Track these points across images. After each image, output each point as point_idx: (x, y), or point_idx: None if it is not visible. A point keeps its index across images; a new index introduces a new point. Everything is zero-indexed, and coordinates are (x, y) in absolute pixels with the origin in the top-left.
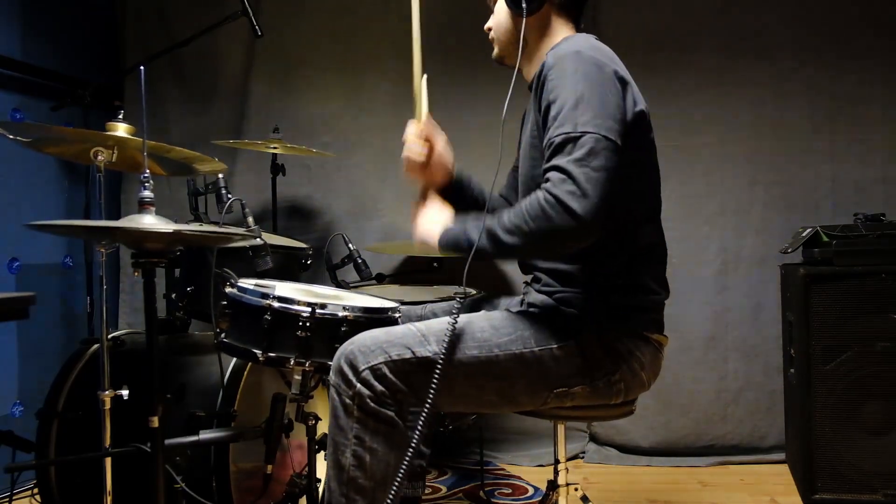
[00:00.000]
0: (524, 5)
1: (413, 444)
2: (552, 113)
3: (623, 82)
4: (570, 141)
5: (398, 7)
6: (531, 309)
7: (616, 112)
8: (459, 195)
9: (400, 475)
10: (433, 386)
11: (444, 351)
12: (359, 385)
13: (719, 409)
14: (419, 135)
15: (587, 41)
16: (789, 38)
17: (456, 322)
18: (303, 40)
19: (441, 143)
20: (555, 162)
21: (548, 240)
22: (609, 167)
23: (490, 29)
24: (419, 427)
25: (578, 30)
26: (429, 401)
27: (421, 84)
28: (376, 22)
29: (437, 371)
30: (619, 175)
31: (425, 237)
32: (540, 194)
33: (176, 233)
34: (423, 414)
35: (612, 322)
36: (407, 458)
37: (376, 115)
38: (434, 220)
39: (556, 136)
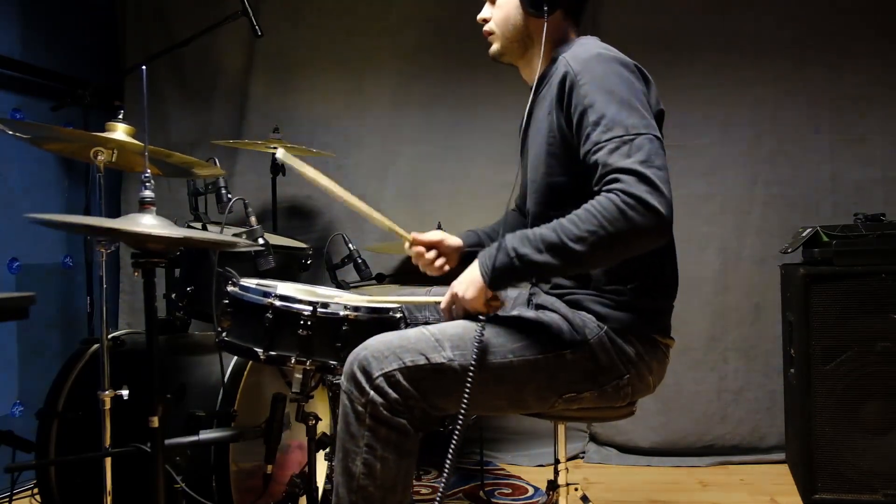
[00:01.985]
0: (545, 7)
1: (450, 456)
2: (591, 118)
3: (647, 81)
4: (625, 144)
5: (398, 7)
6: (542, 312)
7: (650, 110)
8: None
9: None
10: (466, 395)
11: (472, 367)
12: (372, 392)
13: (719, 409)
14: (417, 250)
15: (599, 43)
16: (789, 38)
17: (483, 333)
18: (303, 40)
19: (435, 237)
20: (618, 165)
21: (629, 241)
22: (667, 165)
23: (485, 20)
24: (455, 436)
25: (580, 33)
26: (462, 410)
27: (388, 225)
28: (376, 22)
29: (469, 381)
30: None
31: (471, 288)
32: (614, 197)
33: (187, 239)
34: (459, 421)
35: (623, 326)
36: (447, 468)
37: (376, 115)
38: (465, 275)
39: (608, 140)
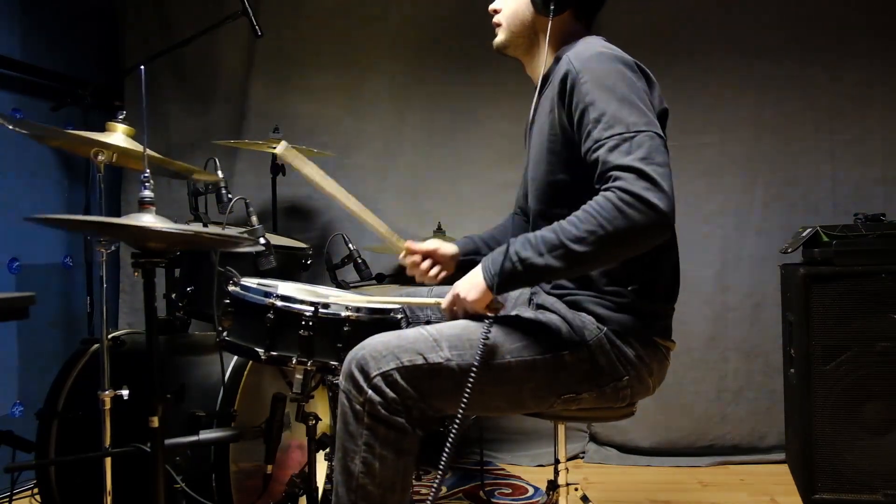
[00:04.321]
0: (552, 7)
1: (446, 455)
2: (592, 115)
3: (650, 80)
4: (626, 141)
5: (398, 7)
6: (542, 312)
7: (653, 109)
8: (475, 262)
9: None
10: (466, 394)
11: (476, 364)
12: (370, 392)
13: (719, 409)
14: (412, 260)
15: (603, 42)
16: (789, 38)
17: (490, 331)
18: (303, 40)
19: (430, 246)
20: (618, 162)
21: (630, 239)
22: (668, 162)
23: (496, 11)
24: (452, 435)
25: (590, 34)
26: (461, 409)
27: (383, 231)
28: (376, 22)
29: (470, 382)
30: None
31: (473, 291)
32: (611, 195)
33: (196, 234)
34: (457, 421)
35: (623, 328)
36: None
37: (376, 115)
38: (468, 278)
39: (608, 137)
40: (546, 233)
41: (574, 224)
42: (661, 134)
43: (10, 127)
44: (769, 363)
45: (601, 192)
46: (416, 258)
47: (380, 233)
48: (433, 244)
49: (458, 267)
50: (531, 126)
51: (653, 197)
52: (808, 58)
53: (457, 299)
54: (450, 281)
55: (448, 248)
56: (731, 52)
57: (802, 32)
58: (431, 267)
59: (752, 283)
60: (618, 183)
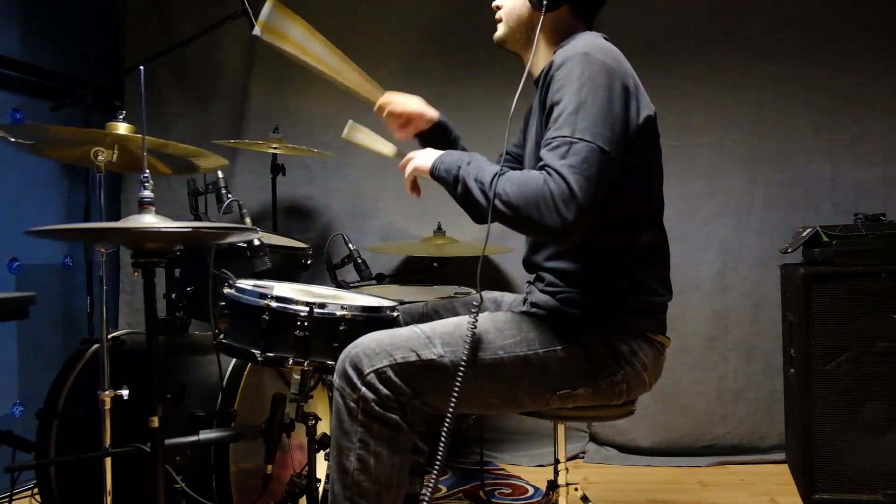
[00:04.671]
0: (545, 2)
1: (441, 451)
2: (554, 113)
3: (627, 91)
4: (566, 145)
5: (399, 8)
6: (535, 309)
7: (616, 122)
8: (441, 137)
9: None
10: (456, 391)
11: (465, 357)
12: (363, 389)
13: (719, 409)
14: (384, 100)
15: (595, 41)
16: (789, 39)
17: (475, 327)
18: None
19: (406, 98)
20: (551, 163)
21: (529, 229)
22: (600, 178)
23: (499, 7)
24: (444, 431)
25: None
26: (451, 405)
27: (356, 87)
28: (377, 22)
29: (460, 377)
30: (613, 183)
31: (420, 162)
32: (544, 187)
33: (195, 230)
34: (448, 418)
35: (616, 323)
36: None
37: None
38: (429, 152)
39: (554, 137)
40: (490, 170)
41: (511, 182)
42: (608, 148)
43: (13, 140)
44: (769, 363)
45: (541, 174)
46: (394, 114)
47: (355, 90)
48: (417, 106)
49: (429, 130)
50: (528, 121)
51: (563, 206)
52: (808, 58)
53: (408, 159)
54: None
55: (432, 113)
56: (731, 52)
57: (802, 32)
58: (405, 123)
59: (752, 283)
60: (549, 180)
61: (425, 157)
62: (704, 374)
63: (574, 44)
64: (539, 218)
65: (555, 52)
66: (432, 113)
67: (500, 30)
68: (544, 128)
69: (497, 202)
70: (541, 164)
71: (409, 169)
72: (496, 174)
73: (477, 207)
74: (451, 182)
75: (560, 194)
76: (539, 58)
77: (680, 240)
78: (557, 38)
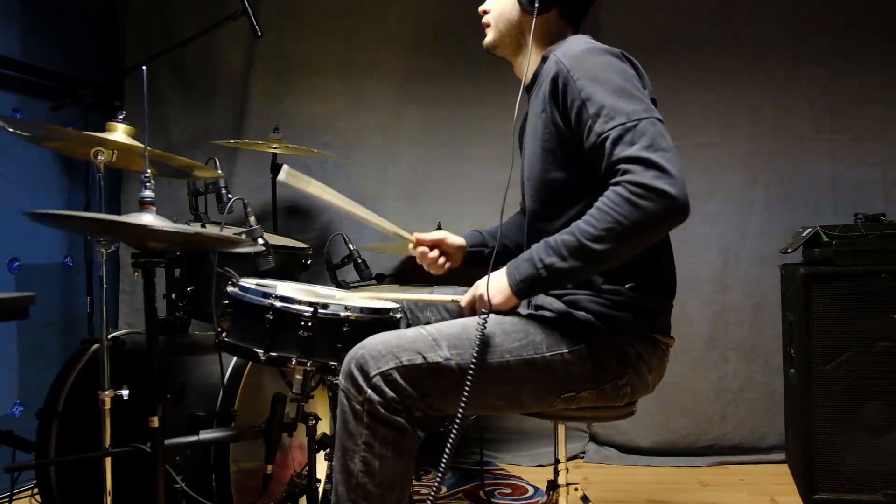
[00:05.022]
0: (536, 5)
1: (447, 454)
2: (591, 110)
3: (638, 70)
4: (628, 131)
5: (398, 7)
6: (541, 312)
7: (645, 96)
8: (482, 255)
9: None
10: (465, 395)
11: (474, 361)
12: (369, 391)
13: (719, 409)
14: (421, 250)
15: (589, 40)
16: (789, 39)
17: (485, 328)
18: (303, 40)
19: (438, 236)
20: (623, 154)
21: (647, 230)
22: (672, 146)
23: (486, 12)
24: (453, 434)
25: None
26: (461, 408)
27: (393, 230)
28: (376, 22)
29: (469, 382)
30: None
31: (498, 296)
32: (620, 189)
33: (196, 234)
34: (458, 420)
35: (622, 325)
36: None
37: (376, 114)
38: (493, 281)
39: (610, 129)
40: (565, 235)
41: (590, 223)
42: (661, 118)
43: (10, 130)
44: (769, 363)
45: (611, 187)
46: (425, 248)
47: (389, 231)
48: (441, 234)
49: (465, 258)
50: (523, 127)
51: (663, 184)
52: (808, 58)
53: (480, 300)
54: (460, 277)
55: (454, 239)
56: (731, 52)
57: (802, 32)
58: (440, 256)
59: (752, 283)
60: (627, 176)
61: (498, 292)
62: (704, 374)
63: (567, 45)
64: (645, 213)
65: (543, 55)
66: (456, 239)
67: (490, 35)
68: (568, 128)
69: (595, 245)
70: (611, 160)
71: (484, 309)
72: (572, 233)
73: (596, 267)
74: (550, 281)
75: (651, 177)
76: (524, 60)
77: (680, 240)
78: (547, 42)
